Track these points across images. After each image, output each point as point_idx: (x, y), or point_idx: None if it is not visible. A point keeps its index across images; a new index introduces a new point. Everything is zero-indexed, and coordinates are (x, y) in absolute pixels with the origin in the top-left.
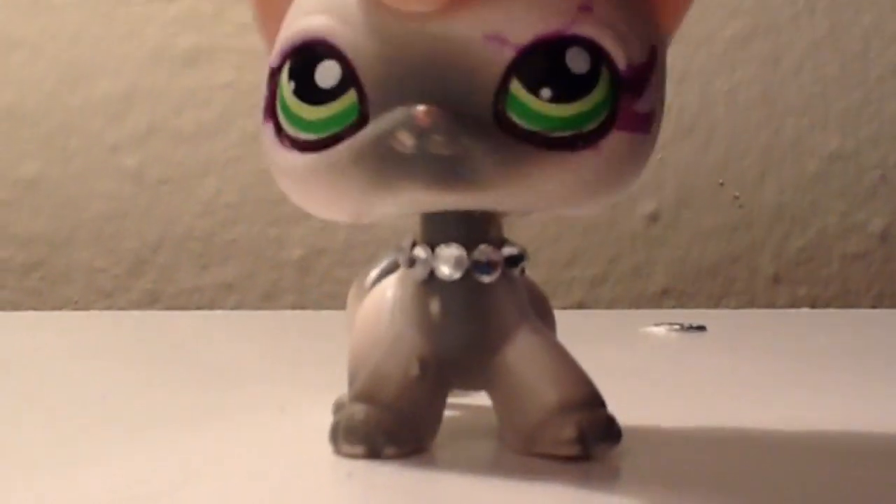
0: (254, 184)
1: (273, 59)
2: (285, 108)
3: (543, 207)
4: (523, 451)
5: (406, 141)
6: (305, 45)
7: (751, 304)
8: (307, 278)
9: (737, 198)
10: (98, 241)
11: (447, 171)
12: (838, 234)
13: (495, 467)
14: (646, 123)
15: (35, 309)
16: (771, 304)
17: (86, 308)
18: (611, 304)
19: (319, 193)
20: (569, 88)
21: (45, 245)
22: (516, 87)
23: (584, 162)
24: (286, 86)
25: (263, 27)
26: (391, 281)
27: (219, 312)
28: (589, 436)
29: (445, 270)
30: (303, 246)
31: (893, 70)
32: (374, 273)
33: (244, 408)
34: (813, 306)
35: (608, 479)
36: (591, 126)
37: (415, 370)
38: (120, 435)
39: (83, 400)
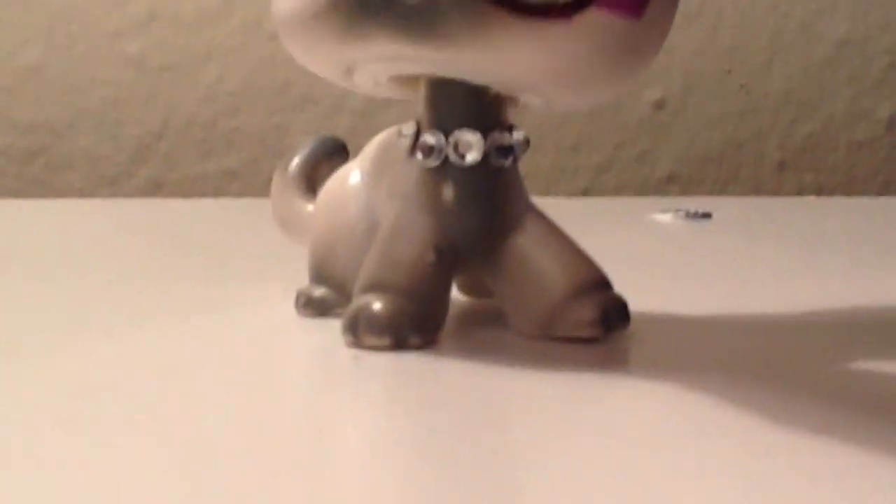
0: (256, 71)
1: None
2: None
3: (524, 80)
4: (540, 333)
5: None
6: None
7: (756, 191)
8: None
9: (743, 85)
10: (101, 128)
11: (415, 22)
12: (845, 121)
13: (504, 352)
14: (635, 7)
15: (38, 197)
16: (777, 192)
17: (89, 196)
18: (616, 192)
19: (302, 40)
20: None
21: (47, 132)
22: None
23: (557, 34)
24: None
25: None
26: (352, 168)
27: (222, 200)
28: (609, 317)
29: (469, 157)
30: (306, 133)
31: None
32: (296, 160)
33: (249, 293)
34: (819, 193)
35: (621, 360)
36: None
37: (431, 256)
38: (125, 321)
39: (87, 287)
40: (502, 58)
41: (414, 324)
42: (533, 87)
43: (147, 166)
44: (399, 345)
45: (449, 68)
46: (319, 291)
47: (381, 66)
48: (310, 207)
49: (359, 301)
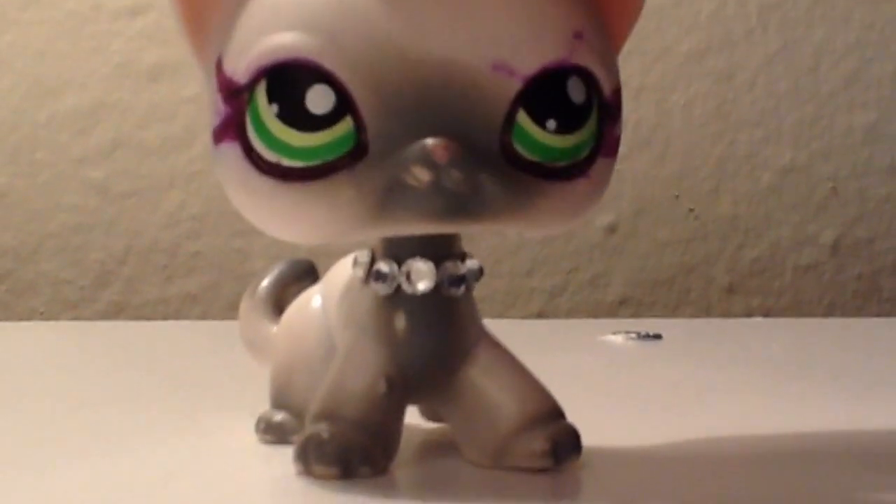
0: (217, 196)
1: (236, 75)
2: (263, 132)
3: (532, 232)
4: (491, 464)
5: (422, 176)
6: (288, 65)
7: (706, 313)
8: None
9: (692, 210)
10: (64, 253)
11: (457, 206)
12: (791, 246)
13: (454, 484)
14: (617, 146)
15: (1, 320)
16: (725, 314)
17: (52, 319)
18: (570, 314)
19: (302, 222)
20: (571, 119)
21: (11, 257)
22: (523, 119)
23: (579, 189)
24: (265, 108)
25: (189, 25)
26: (314, 292)
27: (184, 323)
28: (560, 448)
29: (421, 286)
30: (266, 257)
31: (844, 85)
32: (265, 283)
33: (210, 415)
34: (766, 316)
35: (573, 491)
36: (584, 154)
37: (382, 387)
38: (86, 443)
39: (50, 409)
40: (531, 220)
41: (364, 454)
42: (540, 233)
43: (109, 290)
44: (348, 475)
45: (471, 232)
46: (279, 417)
47: (391, 234)
48: (275, 330)
49: (309, 430)
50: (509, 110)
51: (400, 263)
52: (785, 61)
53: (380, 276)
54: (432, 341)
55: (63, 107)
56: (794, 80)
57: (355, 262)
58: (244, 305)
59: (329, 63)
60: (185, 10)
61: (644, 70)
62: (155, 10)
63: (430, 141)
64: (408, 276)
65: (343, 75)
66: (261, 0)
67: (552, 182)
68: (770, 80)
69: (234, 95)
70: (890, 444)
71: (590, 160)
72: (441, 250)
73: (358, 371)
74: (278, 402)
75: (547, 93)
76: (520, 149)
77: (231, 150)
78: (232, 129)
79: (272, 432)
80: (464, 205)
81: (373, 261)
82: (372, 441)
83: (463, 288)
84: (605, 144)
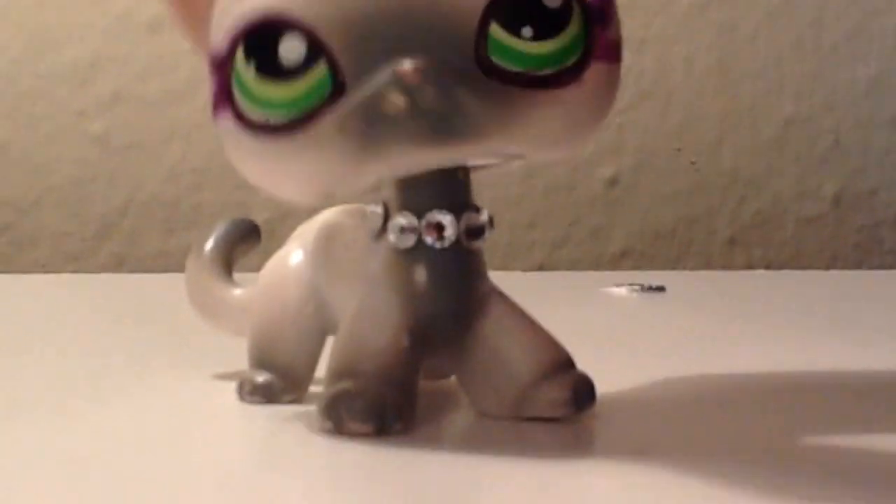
0: (219, 149)
1: (218, 47)
2: (247, 92)
3: (534, 151)
4: (511, 414)
5: (397, 100)
6: (259, 24)
7: (708, 265)
8: (273, 242)
9: (693, 163)
10: (65, 206)
11: (440, 126)
12: (793, 198)
13: (473, 435)
14: (616, 51)
15: (2, 272)
16: (727, 266)
17: (54, 271)
18: (571, 266)
19: (300, 174)
20: (547, 24)
21: (12, 209)
22: (495, 30)
23: (572, 96)
24: (244, 70)
25: (184, 24)
26: (291, 249)
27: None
28: (579, 396)
29: (447, 237)
30: (268, 209)
31: (846, 38)
32: (210, 244)
33: (212, 367)
34: (768, 268)
35: (586, 441)
36: (573, 60)
37: (405, 341)
38: (84, 394)
39: (51, 361)
40: (526, 134)
41: (396, 409)
42: (542, 151)
43: (111, 243)
44: (383, 431)
45: (466, 158)
46: (263, 377)
47: (386, 174)
48: (236, 291)
49: (336, 387)
50: (480, 23)
51: (419, 216)
52: (787, 14)
53: (399, 230)
54: (451, 294)
55: (62, 59)
56: (796, 32)
57: (366, 216)
58: (191, 269)
59: (295, 13)
60: (181, 10)
61: (645, 23)
62: None
63: (398, 66)
64: (428, 227)
65: (310, 21)
66: None
67: (542, 91)
68: (772, 32)
69: (220, 66)
70: (889, 386)
71: (580, 65)
72: (457, 200)
73: (377, 326)
74: (261, 363)
75: (517, 1)
76: (498, 61)
77: (225, 119)
78: (223, 97)
79: (259, 393)
80: (446, 124)
81: (387, 214)
82: (399, 396)
83: (482, 239)
84: (598, 48)
